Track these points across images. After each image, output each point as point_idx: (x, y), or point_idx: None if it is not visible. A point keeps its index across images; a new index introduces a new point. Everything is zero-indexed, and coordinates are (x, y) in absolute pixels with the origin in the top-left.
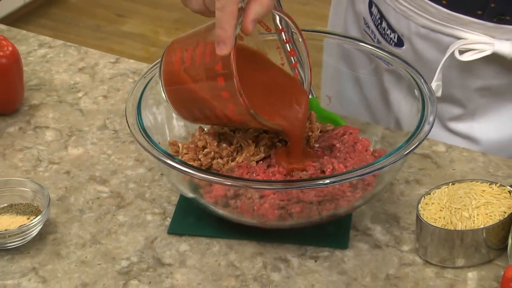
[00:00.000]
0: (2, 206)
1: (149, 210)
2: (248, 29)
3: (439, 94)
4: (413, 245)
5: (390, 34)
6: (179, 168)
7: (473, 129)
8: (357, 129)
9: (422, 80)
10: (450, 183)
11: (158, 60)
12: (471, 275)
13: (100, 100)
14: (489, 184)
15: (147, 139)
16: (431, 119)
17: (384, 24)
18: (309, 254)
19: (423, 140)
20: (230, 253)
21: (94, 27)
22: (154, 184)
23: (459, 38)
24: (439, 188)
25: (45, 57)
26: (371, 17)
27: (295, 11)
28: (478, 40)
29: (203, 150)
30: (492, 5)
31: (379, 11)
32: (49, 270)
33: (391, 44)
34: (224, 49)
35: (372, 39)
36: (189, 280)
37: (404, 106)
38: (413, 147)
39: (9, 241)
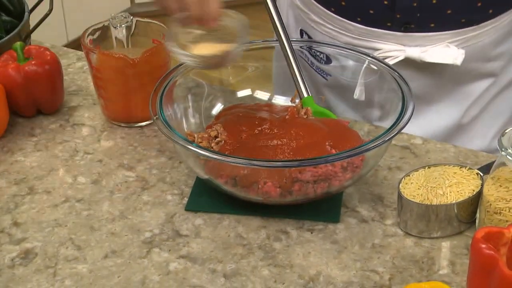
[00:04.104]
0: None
1: (169, 191)
2: None
3: (362, 98)
4: (395, 220)
5: (320, 55)
6: (196, 151)
7: (413, 135)
8: (347, 121)
9: (401, 79)
10: (427, 167)
11: (174, 66)
12: (445, 244)
13: None
14: (460, 168)
15: (169, 129)
16: (408, 112)
17: (314, 47)
18: (306, 227)
19: (401, 129)
20: (238, 226)
21: None
22: (173, 170)
23: (376, 50)
24: (417, 170)
25: (82, 68)
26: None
27: None
28: (392, 49)
29: (215, 139)
30: (398, 16)
31: (309, 37)
32: (84, 240)
33: (322, 62)
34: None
35: (306, 61)
36: (203, 248)
37: (385, 103)
38: (392, 135)
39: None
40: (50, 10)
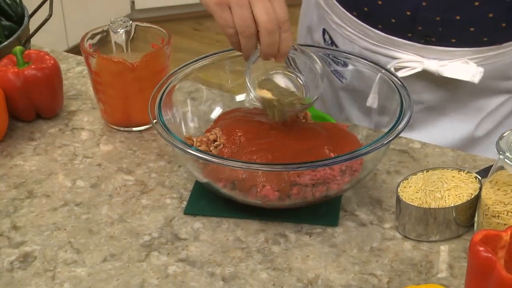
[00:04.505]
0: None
1: (168, 195)
2: None
3: (375, 105)
4: (393, 223)
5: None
6: (195, 155)
7: (412, 139)
8: (346, 125)
9: (401, 85)
10: (425, 170)
11: (173, 70)
12: (443, 247)
13: None
14: (458, 171)
15: (168, 133)
16: (406, 117)
17: (333, 48)
18: (304, 230)
19: (399, 133)
20: (237, 229)
21: None
22: (172, 174)
23: (394, 58)
24: (416, 174)
25: (81, 73)
26: (324, 42)
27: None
28: (410, 59)
29: (213, 143)
30: (419, 28)
31: (330, 37)
32: (82, 243)
33: (339, 65)
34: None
35: (325, 61)
36: (202, 251)
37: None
38: (390, 138)
39: None
40: (50, 15)
